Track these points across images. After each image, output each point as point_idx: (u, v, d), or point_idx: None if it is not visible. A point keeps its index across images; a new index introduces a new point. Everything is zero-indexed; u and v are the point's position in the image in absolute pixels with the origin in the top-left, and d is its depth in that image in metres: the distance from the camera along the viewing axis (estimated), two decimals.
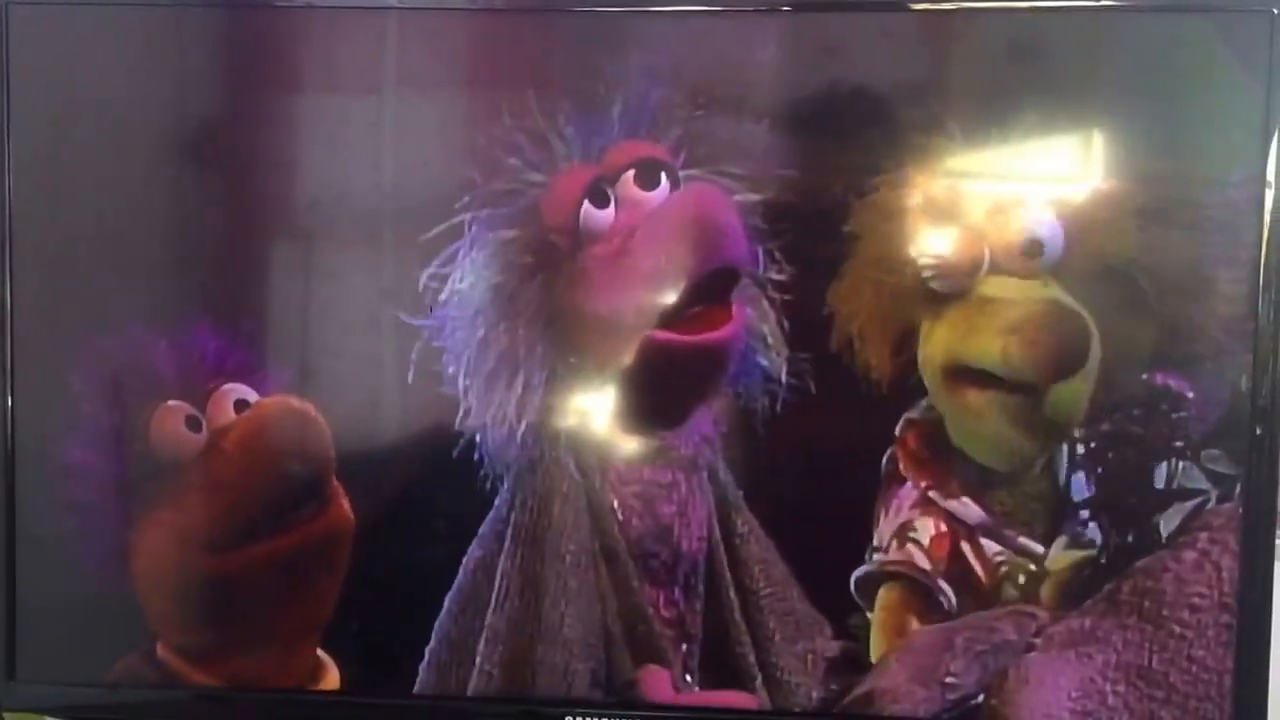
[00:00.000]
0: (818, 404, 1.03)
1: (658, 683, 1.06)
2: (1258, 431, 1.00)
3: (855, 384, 1.02)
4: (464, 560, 1.06)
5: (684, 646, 1.06)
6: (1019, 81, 0.98)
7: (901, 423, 1.04)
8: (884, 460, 1.04)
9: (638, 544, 1.05)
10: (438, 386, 1.04)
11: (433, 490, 1.07)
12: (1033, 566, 1.03)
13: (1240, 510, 1.00)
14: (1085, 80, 0.99)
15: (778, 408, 1.02)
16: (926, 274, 1.01)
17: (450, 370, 1.04)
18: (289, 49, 1.05)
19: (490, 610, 1.06)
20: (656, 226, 1.02)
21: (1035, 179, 0.99)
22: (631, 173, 1.01)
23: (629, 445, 1.04)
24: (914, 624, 1.05)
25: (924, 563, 1.05)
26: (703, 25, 1.02)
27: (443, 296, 1.03)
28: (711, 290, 1.02)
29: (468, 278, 1.03)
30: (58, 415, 1.07)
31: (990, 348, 1.02)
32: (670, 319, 1.02)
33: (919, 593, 1.05)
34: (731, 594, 1.05)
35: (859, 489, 1.04)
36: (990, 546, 1.04)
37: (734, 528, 1.05)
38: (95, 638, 1.07)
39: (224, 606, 1.09)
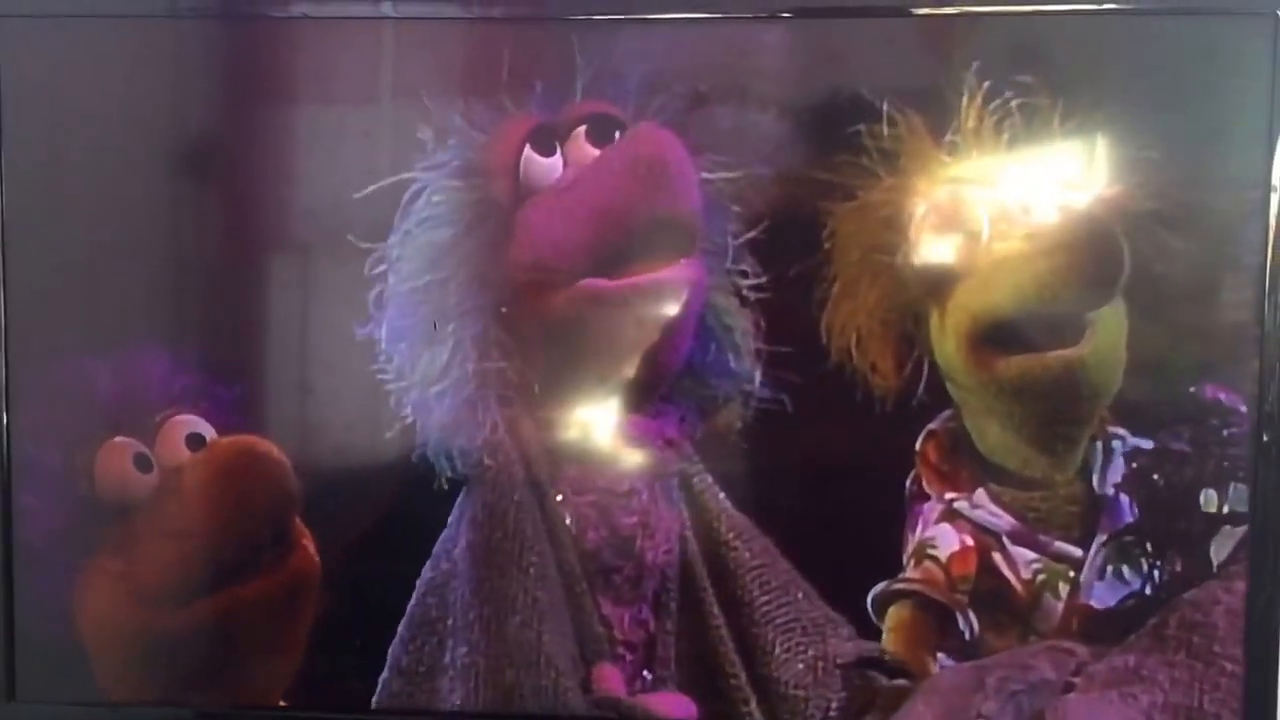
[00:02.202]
0: (825, 424, 0.98)
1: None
2: (1264, 438, 0.94)
3: (869, 404, 0.96)
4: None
5: (647, 672, 0.98)
6: (1020, 86, 0.93)
7: (922, 437, 0.97)
8: (908, 481, 0.98)
9: (593, 558, 0.98)
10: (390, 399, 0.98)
11: (401, 527, 1.00)
12: (1071, 573, 0.97)
13: (1247, 524, 0.95)
14: (1087, 85, 0.94)
15: (754, 411, 0.97)
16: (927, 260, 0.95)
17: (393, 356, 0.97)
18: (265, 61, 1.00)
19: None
20: (599, 168, 0.94)
21: (1039, 184, 0.94)
22: (583, 128, 0.95)
23: (584, 437, 0.98)
24: (927, 647, 0.98)
25: (939, 579, 0.98)
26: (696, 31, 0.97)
27: (382, 268, 0.96)
28: (662, 247, 0.95)
29: (408, 242, 0.96)
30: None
31: (1022, 280, 0.94)
32: (611, 269, 0.95)
33: (932, 613, 0.98)
34: (715, 610, 0.98)
35: (881, 515, 0.99)
36: (1023, 554, 0.97)
37: (719, 536, 0.98)
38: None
39: (176, 663, 1.01)
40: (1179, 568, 0.96)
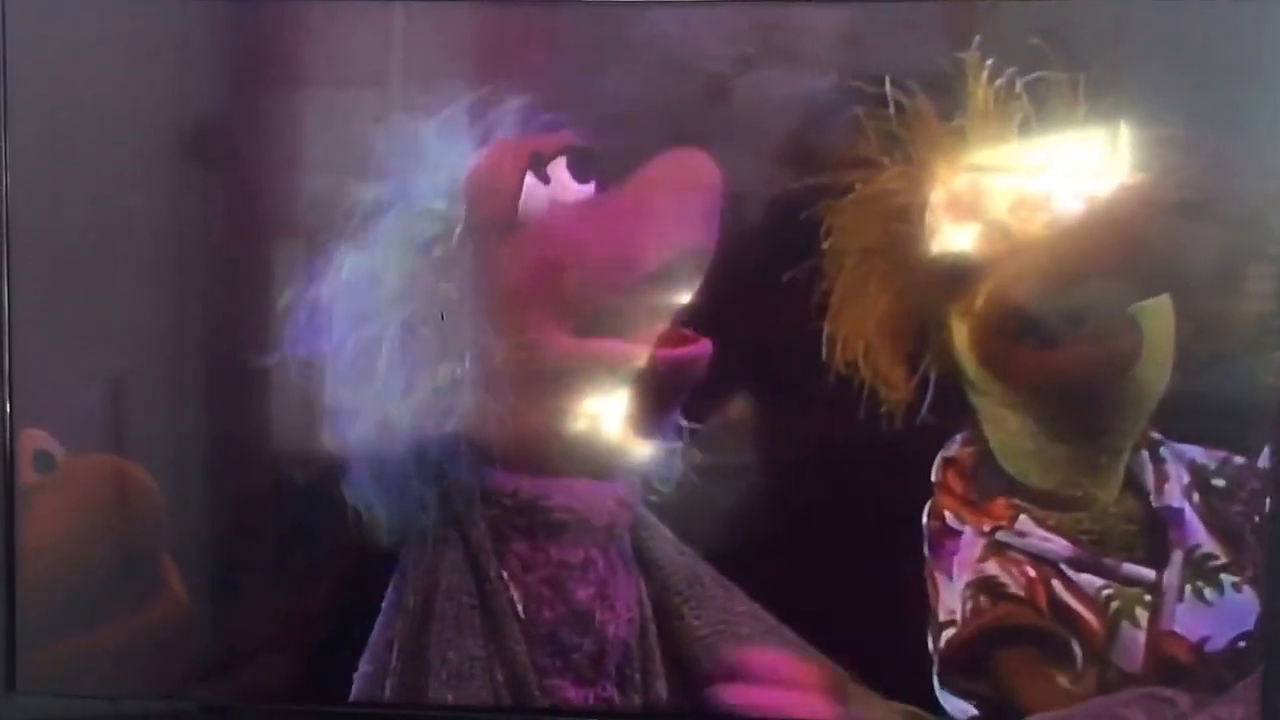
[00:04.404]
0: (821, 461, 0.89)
1: None
2: None
3: (874, 430, 0.87)
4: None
5: None
6: (1037, 63, 0.87)
7: (939, 465, 0.88)
8: (924, 515, 0.88)
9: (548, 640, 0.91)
10: (307, 426, 0.91)
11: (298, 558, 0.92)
12: (1148, 597, 0.86)
13: (1272, 512, 0.86)
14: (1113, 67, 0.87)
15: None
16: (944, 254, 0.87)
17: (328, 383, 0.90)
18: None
19: None
20: (631, 192, 0.88)
21: (1060, 172, 0.87)
22: (563, 158, 0.89)
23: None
24: (1060, 681, 0.88)
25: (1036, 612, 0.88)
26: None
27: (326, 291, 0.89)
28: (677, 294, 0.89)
29: (369, 261, 0.89)
30: None
31: (1071, 260, 0.86)
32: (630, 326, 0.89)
33: (1043, 644, 0.88)
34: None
35: (895, 557, 0.89)
36: (1089, 581, 0.87)
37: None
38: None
39: None
40: None
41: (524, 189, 0.88)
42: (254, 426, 0.91)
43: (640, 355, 0.88)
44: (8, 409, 0.92)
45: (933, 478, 0.87)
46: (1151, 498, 0.86)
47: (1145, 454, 0.86)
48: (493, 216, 0.88)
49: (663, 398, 0.89)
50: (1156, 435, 0.86)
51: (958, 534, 0.87)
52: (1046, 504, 0.87)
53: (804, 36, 0.88)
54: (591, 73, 0.89)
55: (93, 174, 0.92)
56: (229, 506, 0.92)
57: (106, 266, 0.91)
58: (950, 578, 0.87)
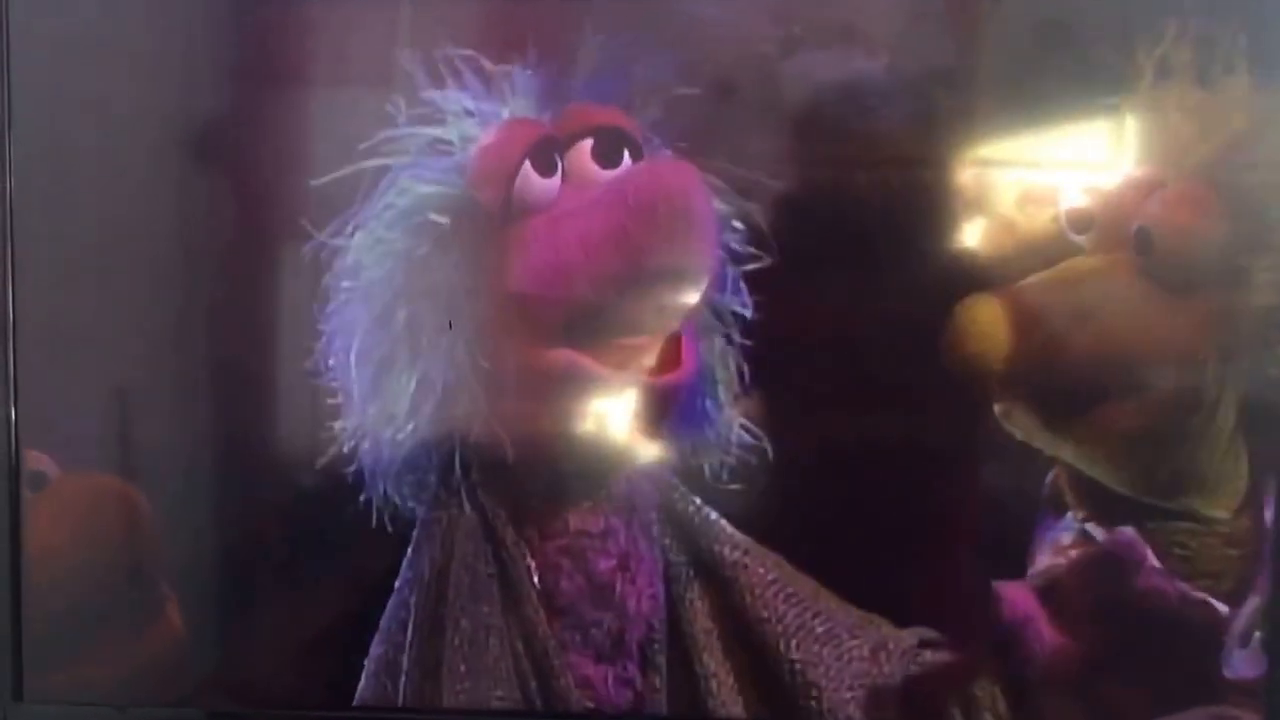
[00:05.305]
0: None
1: None
2: None
3: None
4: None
5: None
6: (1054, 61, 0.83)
7: None
8: (1046, 483, 0.81)
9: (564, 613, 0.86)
10: (312, 429, 0.86)
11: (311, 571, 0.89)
12: None
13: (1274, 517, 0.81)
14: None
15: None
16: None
17: (331, 363, 0.85)
18: None
19: None
20: (608, 204, 0.82)
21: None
22: (589, 142, 0.83)
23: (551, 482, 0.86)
24: None
25: None
26: None
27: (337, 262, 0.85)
28: (662, 308, 0.83)
29: (369, 238, 0.84)
30: None
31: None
32: (605, 339, 0.83)
33: None
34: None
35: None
36: None
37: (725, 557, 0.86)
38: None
39: None
40: None
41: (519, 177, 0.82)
42: (253, 426, 0.88)
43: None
44: (13, 415, 0.90)
45: None
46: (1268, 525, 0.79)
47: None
48: (485, 205, 0.82)
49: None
50: None
51: (1064, 512, 0.80)
52: (1149, 504, 0.80)
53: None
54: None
55: (99, 179, 0.88)
56: (227, 518, 0.89)
57: (102, 281, 0.88)
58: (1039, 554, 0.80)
